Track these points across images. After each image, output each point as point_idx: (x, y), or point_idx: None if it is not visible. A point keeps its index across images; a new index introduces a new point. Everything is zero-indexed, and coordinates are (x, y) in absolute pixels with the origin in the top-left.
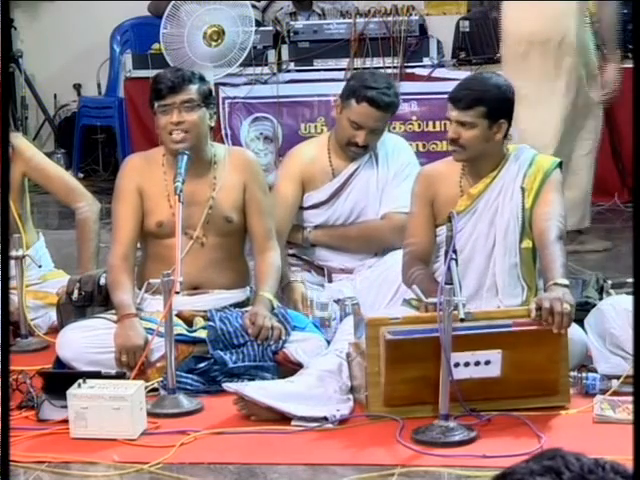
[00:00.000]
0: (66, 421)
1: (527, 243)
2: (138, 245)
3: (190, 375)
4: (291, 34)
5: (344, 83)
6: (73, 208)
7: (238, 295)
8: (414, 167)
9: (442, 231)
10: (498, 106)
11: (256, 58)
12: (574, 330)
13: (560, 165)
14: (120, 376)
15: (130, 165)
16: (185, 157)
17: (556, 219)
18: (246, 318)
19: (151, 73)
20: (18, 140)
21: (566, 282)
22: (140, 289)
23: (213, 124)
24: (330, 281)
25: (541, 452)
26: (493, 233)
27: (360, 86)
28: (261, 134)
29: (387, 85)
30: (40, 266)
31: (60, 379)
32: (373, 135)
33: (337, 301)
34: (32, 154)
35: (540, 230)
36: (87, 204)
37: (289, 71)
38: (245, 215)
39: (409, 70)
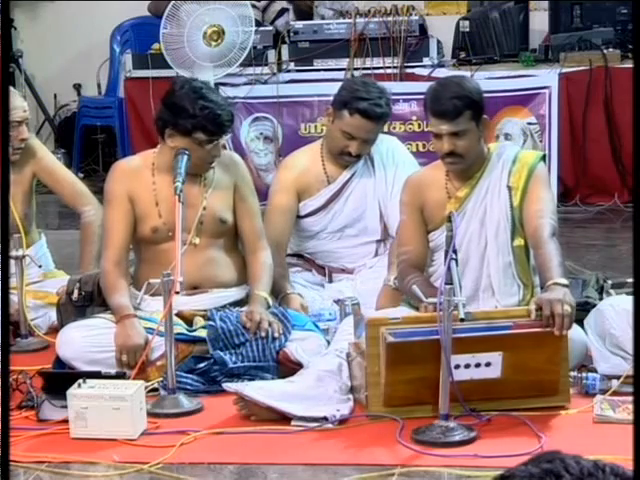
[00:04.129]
0: (66, 421)
1: (519, 241)
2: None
3: (190, 375)
4: (291, 34)
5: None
6: (79, 211)
7: (237, 293)
8: (411, 166)
9: (435, 235)
10: (478, 104)
11: (256, 58)
12: (574, 330)
13: (544, 158)
14: (120, 376)
15: (119, 170)
16: (185, 157)
17: (548, 216)
18: (243, 316)
19: (151, 73)
20: (31, 140)
21: (566, 282)
22: (138, 291)
23: None
24: (330, 281)
25: (539, 455)
26: (484, 234)
27: (352, 97)
28: (261, 134)
29: (379, 95)
30: (40, 266)
31: (60, 379)
32: (366, 145)
33: (337, 301)
34: (43, 155)
35: (533, 229)
36: (93, 208)
37: (289, 71)
38: (235, 216)
39: (409, 70)
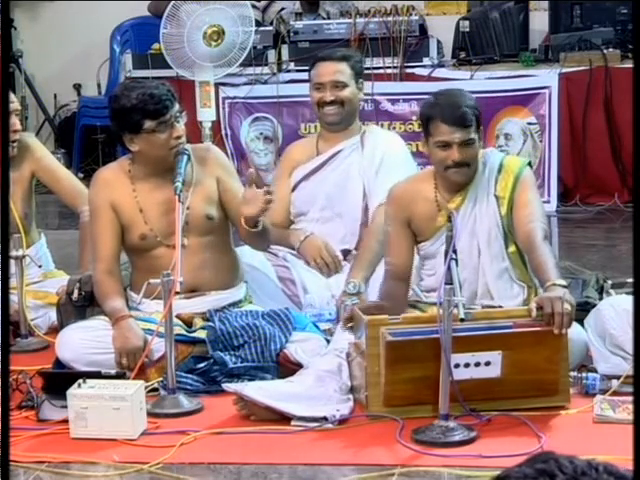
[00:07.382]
0: (66, 421)
1: (514, 247)
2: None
3: (190, 375)
4: (291, 34)
5: None
6: (78, 211)
7: (235, 294)
8: (404, 156)
9: (425, 246)
10: (480, 116)
11: (256, 58)
12: (574, 330)
13: (529, 164)
14: (120, 376)
15: (99, 180)
16: (185, 157)
17: (538, 220)
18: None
19: (151, 73)
20: (30, 139)
21: (564, 283)
22: (137, 294)
23: None
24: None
25: (534, 456)
26: (476, 243)
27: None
28: (261, 134)
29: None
30: (40, 266)
31: (60, 379)
32: (337, 90)
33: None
34: (42, 154)
35: (525, 234)
36: None
37: (289, 71)
38: (225, 208)
39: (409, 70)
